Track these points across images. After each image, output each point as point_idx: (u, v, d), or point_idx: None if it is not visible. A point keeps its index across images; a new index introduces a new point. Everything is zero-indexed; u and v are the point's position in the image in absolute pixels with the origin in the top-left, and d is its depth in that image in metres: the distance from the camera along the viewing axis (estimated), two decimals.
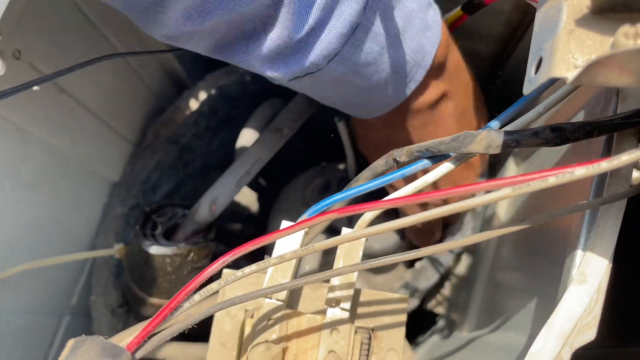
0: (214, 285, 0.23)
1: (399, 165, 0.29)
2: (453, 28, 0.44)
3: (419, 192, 0.26)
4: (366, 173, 0.33)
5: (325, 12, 0.31)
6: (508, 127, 0.26)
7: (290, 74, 0.33)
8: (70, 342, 0.20)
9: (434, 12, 0.37)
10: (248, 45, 0.31)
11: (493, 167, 0.54)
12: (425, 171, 0.27)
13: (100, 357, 0.19)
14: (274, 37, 0.30)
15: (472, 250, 0.53)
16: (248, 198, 0.66)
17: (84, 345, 0.20)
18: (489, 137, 0.24)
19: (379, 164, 0.31)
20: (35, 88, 0.41)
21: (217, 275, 0.24)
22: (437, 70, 0.39)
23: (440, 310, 0.56)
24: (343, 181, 0.56)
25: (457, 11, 0.42)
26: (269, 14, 0.29)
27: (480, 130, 0.25)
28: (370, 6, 0.32)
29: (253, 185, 0.65)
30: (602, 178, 0.25)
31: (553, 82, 0.24)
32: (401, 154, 0.29)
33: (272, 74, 0.33)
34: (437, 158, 0.27)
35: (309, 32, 0.31)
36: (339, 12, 0.31)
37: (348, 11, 0.31)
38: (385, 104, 0.39)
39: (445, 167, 0.26)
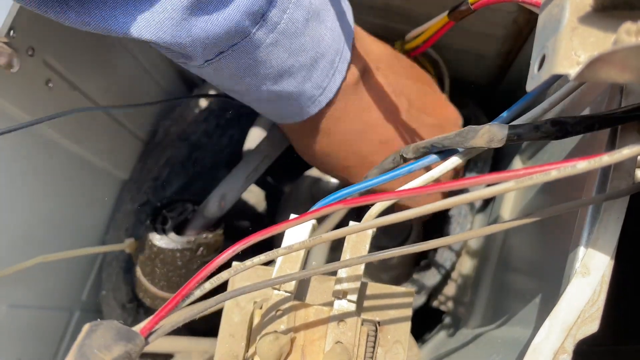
0: (224, 274, 0.23)
1: (406, 161, 0.29)
2: (438, 35, 0.43)
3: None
4: (374, 170, 0.34)
5: None
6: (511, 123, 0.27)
7: (211, 41, 0.29)
8: (86, 327, 0.21)
9: (347, 5, 0.38)
10: (143, 4, 0.27)
11: (499, 165, 0.54)
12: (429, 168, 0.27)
13: (115, 341, 0.20)
14: None
15: (477, 247, 0.54)
16: (256, 196, 0.67)
17: (99, 329, 0.20)
18: (491, 132, 0.25)
19: (386, 161, 0.31)
20: (49, 85, 0.42)
21: (226, 266, 0.25)
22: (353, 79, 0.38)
23: (446, 307, 0.56)
24: None
25: (442, 17, 0.41)
26: None
27: (482, 125, 0.25)
28: None
29: (261, 183, 0.66)
30: (605, 173, 0.25)
31: (556, 79, 0.25)
32: (408, 150, 0.29)
33: (186, 39, 0.29)
34: (444, 154, 0.27)
35: None
36: None
37: None
38: (314, 97, 0.37)
39: (452, 161, 0.27)
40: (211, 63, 0.32)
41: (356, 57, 0.38)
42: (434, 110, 0.45)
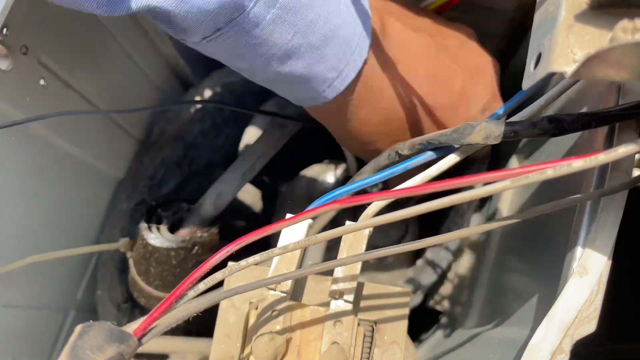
0: (218, 275, 0.23)
1: (402, 158, 0.29)
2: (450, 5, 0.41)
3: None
4: (369, 167, 0.34)
5: None
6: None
7: (206, 14, 0.28)
8: (79, 328, 0.20)
9: None
10: None
11: (496, 164, 0.54)
12: (428, 164, 0.27)
13: (108, 342, 0.20)
14: None
15: (474, 246, 0.54)
16: (252, 195, 0.67)
17: (92, 330, 0.20)
18: (488, 128, 0.25)
19: (381, 157, 0.31)
20: (41, 83, 0.41)
21: (221, 267, 0.25)
22: (375, 41, 0.35)
23: (443, 307, 0.56)
24: (346, 178, 0.57)
25: None
26: None
27: (479, 122, 0.25)
28: None
29: (257, 182, 0.66)
30: (603, 172, 0.25)
31: (551, 77, 0.25)
32: (403, 147, 0.29)
33: (182, 9, 0.27)
34: (440, 150, 0.27)
35: None
36: None
37: None
38: (330, 81, 0.34)
39: (450, 159, 0.26)
40: (209, 40, 0.30)
41: (380, 14, 0.36)
42: (472, 54, 0.41)
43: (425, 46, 0.38)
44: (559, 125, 0.24)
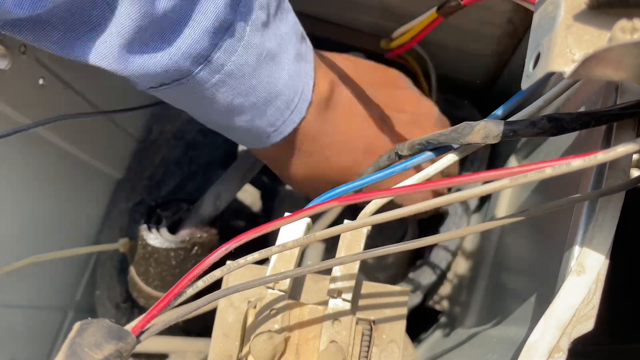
0: (217, 272, 0.23)
1: (401, 159, 0.29)
2: (426, 32, 0.42)
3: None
4: (370, 168, 0.34)
5: (183, 4, 0.28)
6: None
7: (149, 75, 0.30)
8: (77, 325, 0.21)
9: (307, 48, 0.37)
10: (88, 36, 0.28)
11: (494, 164, 0.54)
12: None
13: (106, 339, 0.20)
14: (119, 25, 0.27)
15: (473, 247, 0.54)
16: (251, 195, 0.67)
17: (90, 327, 0.20)
18: (487, 128, 0.24)
19: (382, 159, 0.31)
20: (40, 82, 0.42)
21: (220, 265, 0.25)
22: (318, 104, 0.38)
23: (442, 307, 0.56)
24: None
25: (431, 13, 0.40)
26: (103, 3, 0.27)
27: (478, 121, 0.25)
28: (241, 12, 0.31)
29: (256, 182, 0.66)
30: (601, 172, 0.25)
31: (550, 77, 0.25)
32: (403, 147, 0.29)
33: (124, 71, 0.29)
34: (439, 150, 0.27)
35: (167, 14, 0.28)
36: (203, 7, 0.29)
37: (212, 7, 0.29)
38: (266, 135, 0.37)
39: (449, 158, 0.26)
40: (155, 90, 0.32)
41: (322, 76, 0.38)
42: (408, 107, 0.44)
43: (369, 121, 0.41)
44: (557, 124, 0.24)
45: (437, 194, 0.45)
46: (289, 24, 0.35)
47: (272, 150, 0.39)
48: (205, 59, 0.30)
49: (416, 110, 0.45)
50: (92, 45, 0.28)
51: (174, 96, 0.34)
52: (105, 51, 0.28)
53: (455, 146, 0.27)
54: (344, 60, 0.42)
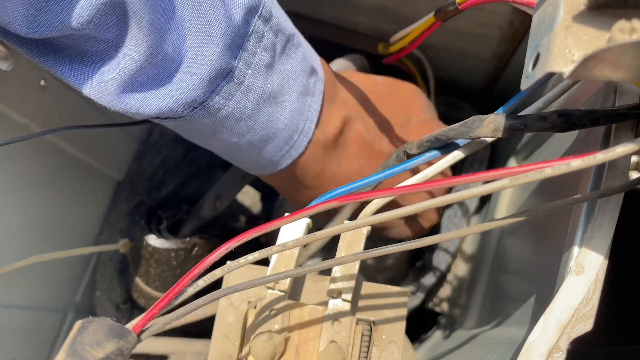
0: (217, 272, 0.23)
1: (410, 158, 0.29)
2: (425, 36, 0.42)
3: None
4: (379, 168, 0.33)
5: (182, 51, 0.29)
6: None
7: (143, 115, 0.30)
8: (78, 323, 0.21)
9: (316, 80, 0.36)
10: (90, 68, 0.28)
11: (495, 165, 0.54)
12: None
13: (107, 337, 0.20)
14: (120, 64, 0.27)
15: (472, 249, 0.54)
16: (251, 197, 0.67)
17: (91, 325, 0.20)
18: (497, 121, 0.24)
19: (390, 158, 0.31)
20: (42, 83, 0.42)
21: (221, 265, 0.25)
22: (324, 143, 0.37)
23: (442, 309, 0.56)
24: None
25: (429, 18, 0.40)
26: (111, 39, 0.27)
27: (487, 115, 0.25)
28: (242, 57, 0.30)
29: (256, 184, 0.66)
30: (600, 172, 0.25)
31: (549, 77, 0.25)
32: (412, 146, 0.29)
33: (119, 108, 0.29)
34: (447, 148, 0.27)
35: (166, 59, 0.28)
36: (199, 54, 0.29)
37: (209, 54, 0.29)
38: (263, 166, 0.37)
39: (454, 155, 0.26)
40: (153, 120, 0.32)
41: (335, 111, 0.37)
42: (418, 136, 0.44)
43: (379, 157, 0.40)
44: (568, 119, 0.24)
45: (432, 195, 0.45)
46: (297, 60, 0.34)
47: (272, 178, 0.39)
48: (200, 103, 0.30)
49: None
50: (90, 78, 0.28)
51: (170, 127, 0.33)
52: (101, 87, 0.28)
53: (461, 144, 0.27)
54: (361, 83, 0.41)
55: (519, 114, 0.26)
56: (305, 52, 0.35)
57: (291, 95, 0.34)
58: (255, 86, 0.32)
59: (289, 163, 0.36)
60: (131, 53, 0.27)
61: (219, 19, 0.29)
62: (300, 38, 0.35)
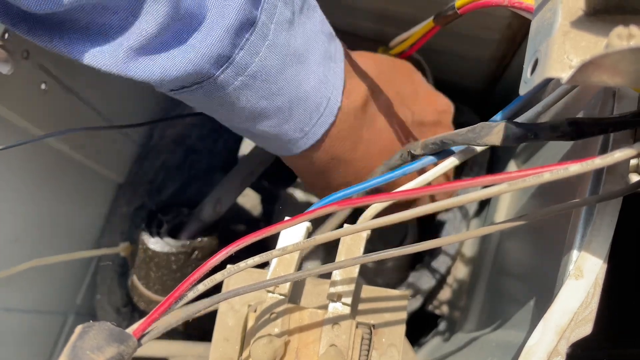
0: (217, 276, 0.23)
1: (414, 158, 0.29)
2: (424, 40, 0.42)
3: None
4: (380, 168, 0.33)
5: (205, 2, 0.27)
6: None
7: (168, 79, 0.28)
8: (79, 328, 0.21)
9: (336, 47, 0.35)
10: (106, 39, 0.26)
11: (494, 169, 0.55)
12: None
13: (108, 342, 0.20)
14: (140, 28, 0.26)
15: (472, 252, 0.54)
16: (252, 200, 0.67)
17: (92, 330, 0.20)
18: (507, 129, 0.24)
19: (394, 158, 0.31)
20: (43, 87, 0.42)
21: (221, 269, 0.25)
22: (355, 113, 0.36)
23: (441, 312, 0.56)
24: None
25: (428, 22, 0.40)
26: (126, 5, 0.25)
27: (496, 122, 0.25)
28: (265, 9, 0.29)
29: (256, 187, 0.66)
30: (598, 176, 0.25)
31: (548, 82, 0.25)
32: (416, 147, 0.29)
33: (144, 75, 0.27)
34: (440, 154, 0.27)
35: (188, 13, 0.27)
36: (223, 5, 0.27)
37: (233, 3, 0.27)
38: (294, 140, 0.35)
39: (450, 162, 0.26)
40: (176, 93, 0.31)
41: (355, 86, 0.36)
42: (430, 106, 0.44)
43: (404, 129, 0.40)
44: (577, 128, 0.24)
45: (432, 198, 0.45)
46: (316, 22, 0.33)
47: (302, 158, 0.37)
48: (227, 59, 0.29)
49: (438, 109, 0.44)
50: (107, 50, 0.26)
51: (196, 100, 0.32)
52: (118, 57, 0.26)
53: (456, 150, 0.27)
54: (370, 60, 0.40)
55: (531, 123, 0.26)
56: (322, 15, 0.34)
57: (316, 58, 0.33)
58: (279, 42, 0.30)
59: (322, 134, 0.35)
60: (151, 14, 0.26)
61: None
62: (314, 1, 0.34)
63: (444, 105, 0.46)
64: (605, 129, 0.24)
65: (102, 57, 0.26)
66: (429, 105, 0.44)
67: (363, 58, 0.40)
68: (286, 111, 0.33)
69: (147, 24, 0.26)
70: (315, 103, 0.33)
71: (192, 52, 0.27)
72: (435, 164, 0.28)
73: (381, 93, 0.39)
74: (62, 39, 0.26)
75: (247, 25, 0.29)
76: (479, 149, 0.26)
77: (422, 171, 0.29)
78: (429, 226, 0.56)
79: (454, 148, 0.27)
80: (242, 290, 0.24)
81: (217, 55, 0.28)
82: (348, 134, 0.36)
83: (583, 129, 0.24)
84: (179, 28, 0.27)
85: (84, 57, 0.27)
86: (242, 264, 0.24)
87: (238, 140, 0.60)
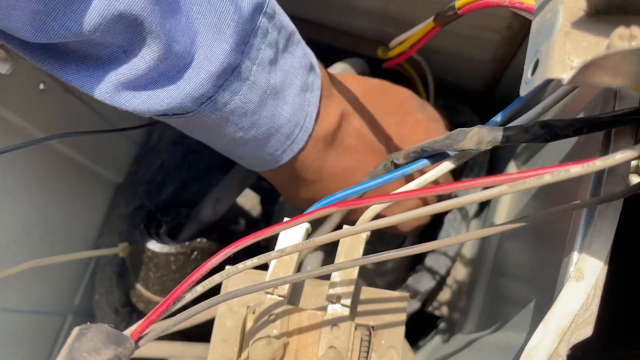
0: (216, 277, 0.23)
1: (397, 167, 0.29)
2: (424, 41, 0.42)
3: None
4: (366, 177, 0.34)
5: (193, 49, 0.29)
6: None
7: (152, 112, 0.30)
8: (76, 330, 0.21)
9: (315, 76, 0.37)
10: (98, 71, 0.28)
11: (494, 170, 0.54)
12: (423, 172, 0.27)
13: (105, 344, 0.20)
14: (130, 65, 0.28)
15: (472, 253, 0.54)
16: (251, 200, 0.67)
17: (89, 332, 0.20)
18: (480, 134, 0.25)
19: (378, 167, 0.31)
20: (41, 87, 0.42)
21: (219, 270, 0.25)
22: (324, 138, 0.38)
23: (441, 313, 0.56)
24: None
25: (428, 23, 0.40)
26: (120, 44, 0.27)
27: (471, 128, 0.25)
28: (248, 53, 0.31)
29: (256, 187, 0.66)
30: (599, 178, 0.25)
31: (549, 83, 0.25)
32: (399, 156, 0.29)
33: (129, 106, 0.29)
34: (435, 158, 0.27)
35: (176, 57, 0.29)
36: (210, 51, 0.29)
37: (219, 51, 0.29)
38: (265, 161, 0.37)
39: (446, 165, 0.27)
40: (158, 117, 0.32)
41: (332, 107, 0.38)
42: (414, 136, 0.45)
43: (375, 154, 0.41)
44: (550, 130, 0.24)
45: (426, 202, 0.45)
46: (298, 57, 0.35)
47: (273, 174, 0.39)
48: (208, 98, 0.31)
49: (423, 139, 0.45)
50: (98, 80, 0.28)
51: (176, 124, 0.34)
52: (109, 88, 0.28)
53: (452, 154, 0.27)
54: (355, 85, 0.42)
55: (505, 126, 0.26)
56: (304, 49, 0.36)
57: (293, 91, 0.35)
58: (260, 81, 0.32)
59: (290, 157, 0.37)
60: (142, 56, 0.27)
61: (229, 17, 0.29)
62: (299, 36, 0.36)
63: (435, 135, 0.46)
64: (579, 130, 0.24)
65: (92, 85, 0.28)
66: (412, 135, 0.45)
67: (351, 81, 0.42)
68: (261, 140, 0.35)
69: (138, 62, 0.28)
70: (288, 132, 0.36)
71: (176, 92, 0.29)
72: (421, 172, 0.28)
73: (358, 116, 0.40)
74: (57, 62, 0.28)
75: (230, 69, 0.30)
76: (472, 152, 0.27)
77: (421, 172, 0.29)
78: (428, 228, 0.56)
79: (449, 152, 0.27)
80: (241, 291, 0.24)
81: (199, 95, 0.30)
82: (315, 158, 0.38)
83: (555, 131, 0.24)
84: (166, 69, 0.29)
85: (76, 82, 0.28)
86: (240, 265, 0.24)
87: None
